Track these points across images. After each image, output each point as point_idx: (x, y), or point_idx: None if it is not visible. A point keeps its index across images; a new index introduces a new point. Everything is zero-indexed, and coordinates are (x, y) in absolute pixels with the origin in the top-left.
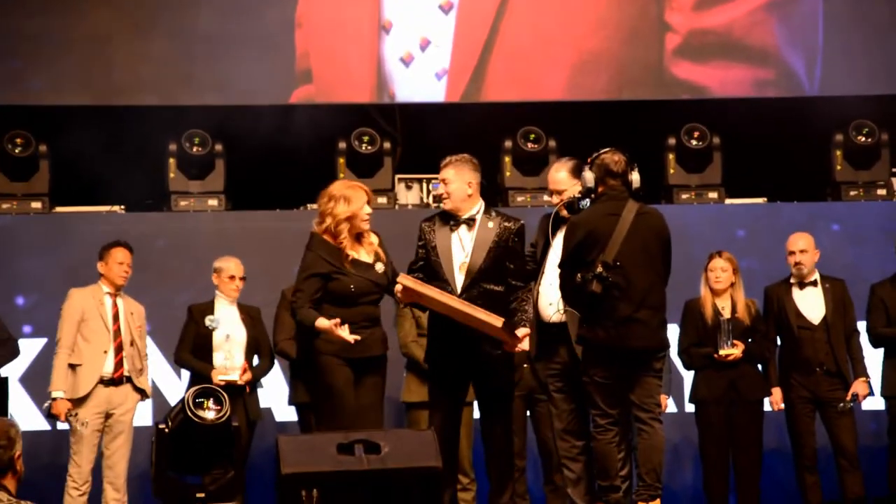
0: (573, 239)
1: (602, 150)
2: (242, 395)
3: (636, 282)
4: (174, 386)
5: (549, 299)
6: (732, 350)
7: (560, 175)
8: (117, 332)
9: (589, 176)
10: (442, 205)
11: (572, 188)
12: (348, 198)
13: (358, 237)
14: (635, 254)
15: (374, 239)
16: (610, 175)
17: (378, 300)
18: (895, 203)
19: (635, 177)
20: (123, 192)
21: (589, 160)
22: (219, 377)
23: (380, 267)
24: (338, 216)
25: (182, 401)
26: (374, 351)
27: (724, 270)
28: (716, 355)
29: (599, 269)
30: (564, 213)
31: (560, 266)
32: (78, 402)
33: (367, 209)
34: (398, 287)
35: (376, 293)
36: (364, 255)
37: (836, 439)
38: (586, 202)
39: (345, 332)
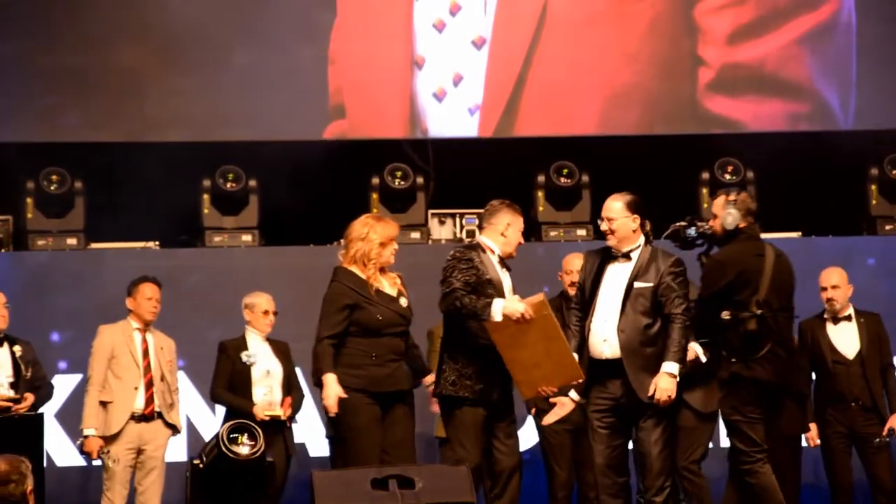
0: (723, 277)
1: (731, 189)
2: (283, 430)
3: (782, 322)
4: (208, 421)
5: (604, 335)
6: None
7: (616, 205)
8: (147, 368)
9: (735, 213)
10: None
11: (623, 220)
12: (382, 226)
13: (382, 271)
14: (780, 295)
15: (396, 279)
16: (750, 214)
17: (404, 334)
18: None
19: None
20: (158, 228)
21: (731, 198)
22: (264, 412)
23: (404, 301)
24: (372, 241)
25: (216, 436)
26: (403, 385)
27: None
28: None
29: (757, 310)
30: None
31: (701, 302)
32: (110, 439)
33: (395, 244)
34: (537, 299)
35: (402, 325)
36: (388, 288)
37: (872, 475)
38: (692, 231)
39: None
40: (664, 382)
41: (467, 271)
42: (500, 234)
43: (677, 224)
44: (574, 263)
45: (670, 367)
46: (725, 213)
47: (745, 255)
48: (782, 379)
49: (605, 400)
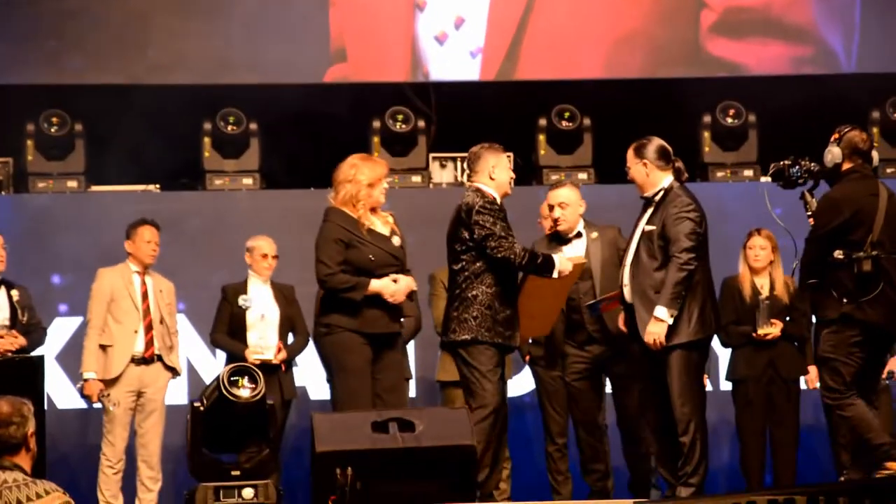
0: (838, 215)
1: (845, 127)
2: (277, 373)
3: (894, 264)
4: (210, 365)
5: (626, 280)
6: (771, 329)
7: (629, 153)
8: (147, 311)
9: (836, 151)
10: None
11: (636, 167)
12: (370, 166)
13: (374, 211)
14: (893, 235)
15: (389, 217)
16: (857, 153)
17: (398, 273)
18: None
19: (875, 155)
20: (159, 170)
21: (835, 136)
22: (253, 356)
23: (396, 240)
24: (360, 182)
25: (217, 379)
26: (396, 327)
27: (763, 248)
28: (754, 334)
29: (872, 251)
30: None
31: (813, 240)
32: (110, 383)
33: (385, 183)
34: (580, 260)
35: (395, 265)
36: (381, 227)
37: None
38: (796, 169)
39: (401, 296)
40: (651, 326)
41: (502, 220)
42: (489, 177)
43: (781, 163)
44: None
45: (659, 311)
46: (827, 151)
47: (860, 195)
48: (893, 322)
49: (636, 344)
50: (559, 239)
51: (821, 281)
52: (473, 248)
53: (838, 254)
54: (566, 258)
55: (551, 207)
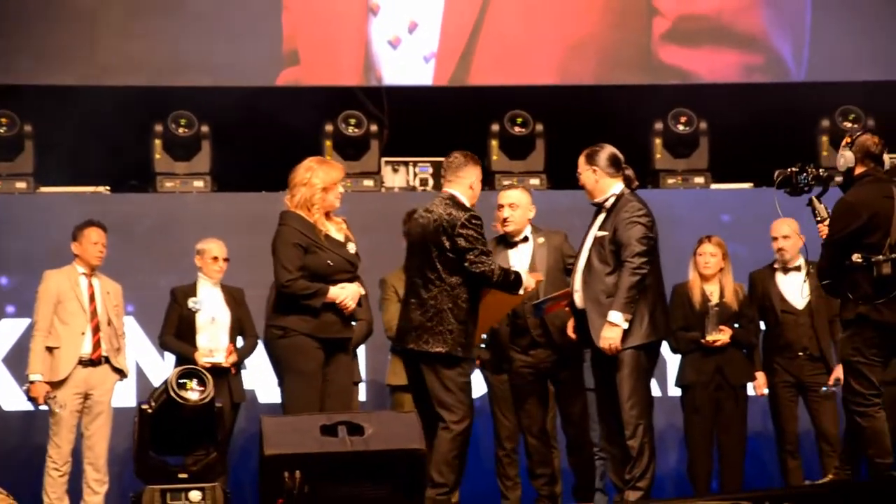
0: (856, 219)
1: (857, 131)
2: (227, 376)
3: None
4: (158, 367)
5: (577, 286)
6: (720, 335)
7: (580, 159)
8: (94, 313)
9: (849, 155)
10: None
11: (586, 173)
12: (325, 170)
13: (328, 216)
14: None
15: (342, 224)
16: (869, 156)
17: (352, 280)
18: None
19: (887, 158)
20: (109, 173)
21: (847, 140)
22: (203, 359)
23: (352, 247)
24: (314, 186)
25: (165, 381)
26: (347, 332)
27: (713, 255)
28: (703, 340)
29: (891, 254)
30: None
31: (830, 245)
32: (57, 385)
33: (341, 187)
34: (538, 277)
35: (351, 271)
36: (335, 232)
37: (818, 423)
38: (804, 176)
39: (352, 303)
40: (605, 331)
41: (484, 236)
42: (469, 187)
43: (788, 170)
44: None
45: (613, 315)
46: (839, 155)
47: (875, 198)
48: None
49: (589, 350)
50: (506, 242)
51: (837, 284)
52: (452, 260)
53: (857, 257)
54: (529, 275)
55: (500, 207)
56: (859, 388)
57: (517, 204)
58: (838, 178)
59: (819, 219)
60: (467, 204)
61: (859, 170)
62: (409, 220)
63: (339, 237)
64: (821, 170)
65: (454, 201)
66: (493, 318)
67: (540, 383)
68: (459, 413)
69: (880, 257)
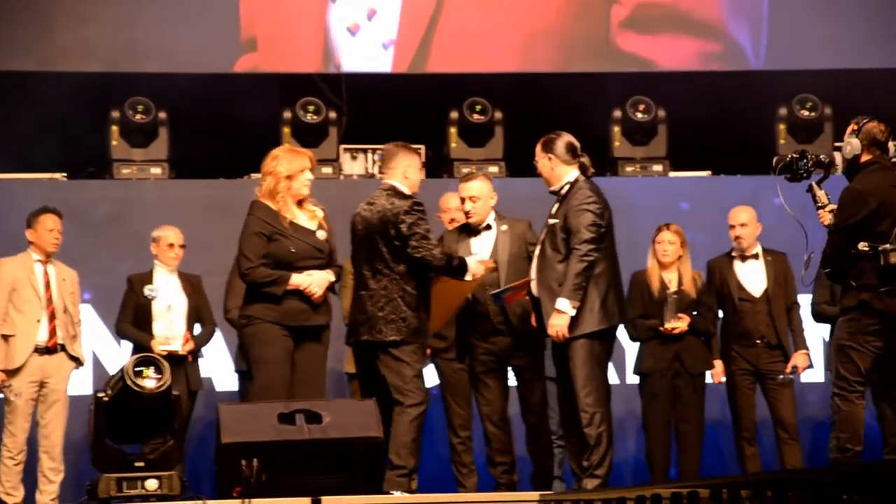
0: (864, 207)
1: (863, 118)
2: (184, 364)
3: None
4: (115, 355)
5: (533, 273)
6: (678, 323)
7: (537, 147)
8: (49, 300)
9: (855, 143)
10: None
11: (542, 161)
12: (290, 158)
13: (300, 204)
14: None
15: (318, 211)
16: (875, 144)
17: (321, 267)
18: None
19: (892, 146)
20: (65, 159)
21: (853, 127)
22: (160, 347)
23: (321, 234)
24: (278, 175)
25: (122, 370)
26: (318, 319)
27: (671, 243)
28: (661, 328)
29: None
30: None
31: (837, 232)
32: (12, 373)
33: (309, 175)
34: (489, 264)
35: (319, 258)
36: (305, 221)
37: (775, 411)
38: (804, 162)
39: (319, 290)
40: (553, 319)
41: (426, 222)
42: (403, 176)
43: (788, 156)
44: (450, 202)
45: (561, 303)
46: (845, 142)
47: (883, 186)
48: None
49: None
50: (469, 230)
51: (842, 272)
52: (399, 248)
53: (863, 246)
54: (477, 260)
55: (462, 200)
56: (845, 373)
57: (477, 196)
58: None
59: (819, 205)
60: (407, 192)
61: (865, 157)
62: None
63: (310, 225)
64: (822, 156)
65: (394, 191)
66: (448, 307)
67: (501, 370)
68: (417, 397)
69: (887, 246)
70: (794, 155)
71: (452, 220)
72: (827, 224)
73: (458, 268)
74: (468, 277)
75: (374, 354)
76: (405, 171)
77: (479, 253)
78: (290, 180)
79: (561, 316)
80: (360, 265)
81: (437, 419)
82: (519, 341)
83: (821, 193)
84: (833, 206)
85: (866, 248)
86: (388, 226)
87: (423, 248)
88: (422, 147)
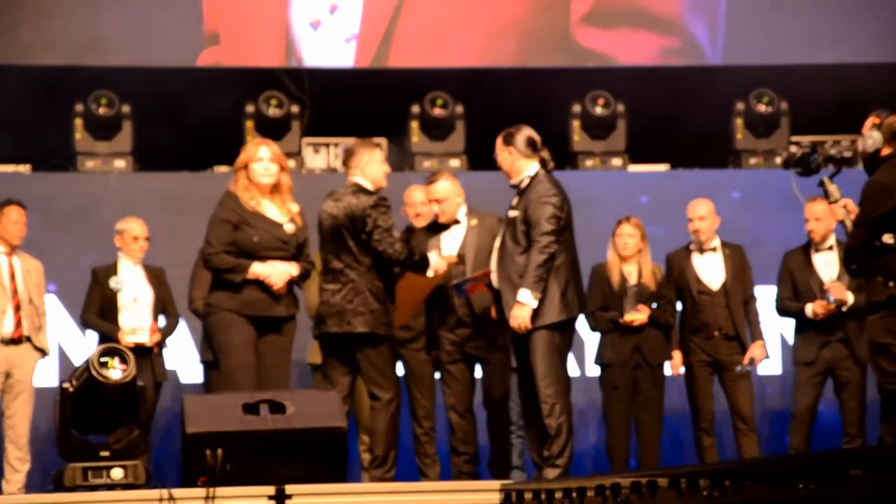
0: (890, 200)
1: (884, 111)
2: (150, 356)
3: None
4: (80, 346)
5: (494, 265)
6: (638, 315)
7: (498, 140)
8: (15, 292)
9: (877, 136)
10: None
11: (502, 154)
12: (245, 149)
13: (273, 195)
14: None
15: (293, 206)
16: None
17: (286, 259)
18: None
19: None
20: (29, 152)
21: (875, 121)
22: (127, 338)
23: (290, 227)
24: (236, 165)
25: (87, 360)
26: (280, 311)
27: (631, 236)
28: (621, 320)
29: None
30: None
31: (862, 225)
32: None
33: (266, 163)
34: (452, 259)
35: (283, 251)
36: (275, 213)
37: (733, 402)
38: (815, 157)
39: (279, 281)
40: (515, 310)
41: (391, 217)
42: (366, 172)
43: (800, 151)
44: (414, 196)
45: (522, 294)
46: (866, 135)
47: None
48: None
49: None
50: (439, 225)
51: (866, 266)
52: (365, 243)
53: (888, 238)
54: (441, 257)
55: (430, 201)
56: (889, 368)
57: (443, 197)
58: (846, 155)
59: (832, 200)
60: (371, 188)
61: (886, 151)
62: None
63: (279, 218)
64: (833, 151)
65: (359, 188)
66: (413, 301)
67: (466, 361)
68: (391, 389)
69: None
70: (806, 150)
71: (418, 215)
72: (840, 219)
73: (418, 263)
74: (430, 273)
75: (344, 347)
76: (367, 166)
77: (449, 248)
78: (245, 171)
79: (523, 308)
80: (328, 259)
81: (403, 410)
82: (484, 333)
83: (832, 189)
84: (846, 201)
85: (891, 241)
86: (356, 221)
87: (384, 242)
88: (383, 140)
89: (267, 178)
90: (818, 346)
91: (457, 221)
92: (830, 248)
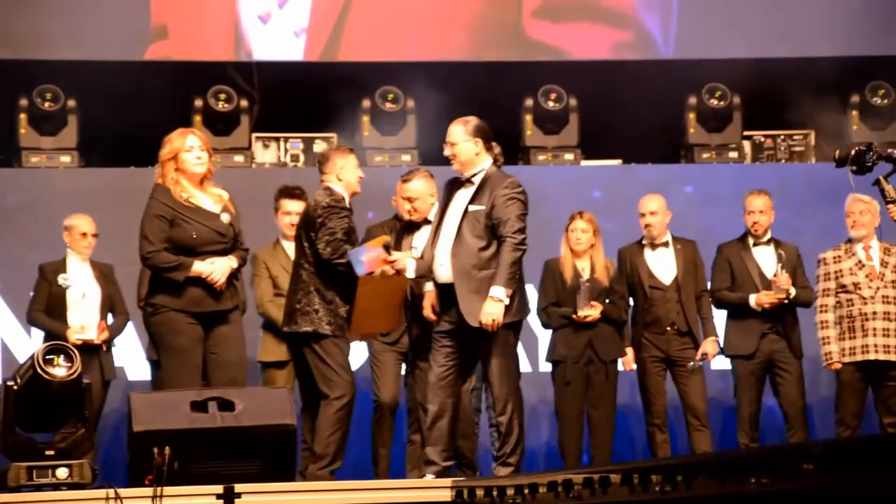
0: None
1: None
2: (98, 353)
3: None
4: (25, 344)
5: (441, 260)
6: (591, 311)
7: (458, 129)
8: None
9: None
10: None
11: (465, 144)
12: (172, 139)
13: (202, 185)
14: None
15: (223, 193)
16: None
17: (225, 252)
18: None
19: None
20: None
21: None
22: (75, 336)
23: (225, 217)
24: (164, 157)
25: (31, 358)
26: (226, 304)
27: (584, 231)
28: (574, 316)
29: None
30: None
31: None
32: None
33: (197, 151)
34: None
35: (222, 243)
36: (209, 204)
37: (685, 397)
38: (870, 155)
39: (221, 278)
40: (488, 307)
41: (345, 219)
42: (338, 177)
43: (855, 149)
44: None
45: (496, 291)
46: None
47: None
48: None
49: (446, 323)
50: (411, 225)
51: None
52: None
53: None
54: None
55: (404, 199)
56: None
57: (416, 196)
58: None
59: (889, 199)
60: (342, 193)
61: None
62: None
63: (214, 208)
64: (890, 150)
65: (328, 191)
66: (387, 307)
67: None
68: (339, 389)
69: None
70: (862, 148)
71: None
72: None
73: (347, 265)
74: (410, 275)
75: (298, 346)
76: (339, 172)
77: (421, 247)
78: (175, 161)
79: (497, 304)
80: (295, 260)
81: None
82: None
83: (889, 188)
84: None
85: None
86: (309, 220)
87: (322, 241)
88: (334, 136)
89: (200, 166)
90: (758, 337)
91: (428, 221)
92: (769, 241)
